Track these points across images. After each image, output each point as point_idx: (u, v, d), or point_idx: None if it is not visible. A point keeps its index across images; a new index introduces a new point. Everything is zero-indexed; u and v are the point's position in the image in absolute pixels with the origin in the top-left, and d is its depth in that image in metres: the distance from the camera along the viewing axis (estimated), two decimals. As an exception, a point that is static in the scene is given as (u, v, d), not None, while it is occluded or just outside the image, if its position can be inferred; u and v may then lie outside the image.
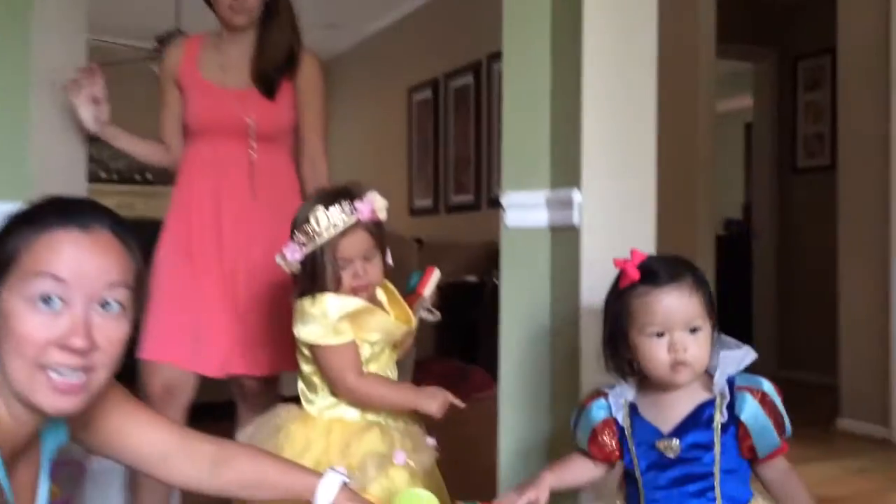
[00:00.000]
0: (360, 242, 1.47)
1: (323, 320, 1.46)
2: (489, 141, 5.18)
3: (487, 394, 1.69)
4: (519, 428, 1.86)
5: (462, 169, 5.52)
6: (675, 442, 1.22)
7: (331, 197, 1.47)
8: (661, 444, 1.23)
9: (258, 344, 1.88)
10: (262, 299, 1.86)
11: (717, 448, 1.21)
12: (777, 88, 5.14)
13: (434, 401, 1.48)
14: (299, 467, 1.29)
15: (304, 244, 1.47)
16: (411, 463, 1.46)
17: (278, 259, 1.52)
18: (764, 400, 1.21)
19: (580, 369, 1.71)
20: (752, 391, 1.21)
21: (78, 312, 0.95)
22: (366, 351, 1.51)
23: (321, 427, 1.50)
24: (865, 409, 3.39)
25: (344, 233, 1.45)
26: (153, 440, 1.16)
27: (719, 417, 1.21)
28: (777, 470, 1.26)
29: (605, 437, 1.29)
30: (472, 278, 4.39)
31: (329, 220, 1.44)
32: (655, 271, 1.23)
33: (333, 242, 1.45)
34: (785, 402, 1.23)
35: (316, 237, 1.45)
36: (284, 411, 1.56)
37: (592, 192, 1.71)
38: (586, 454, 1.33)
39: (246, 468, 1.19)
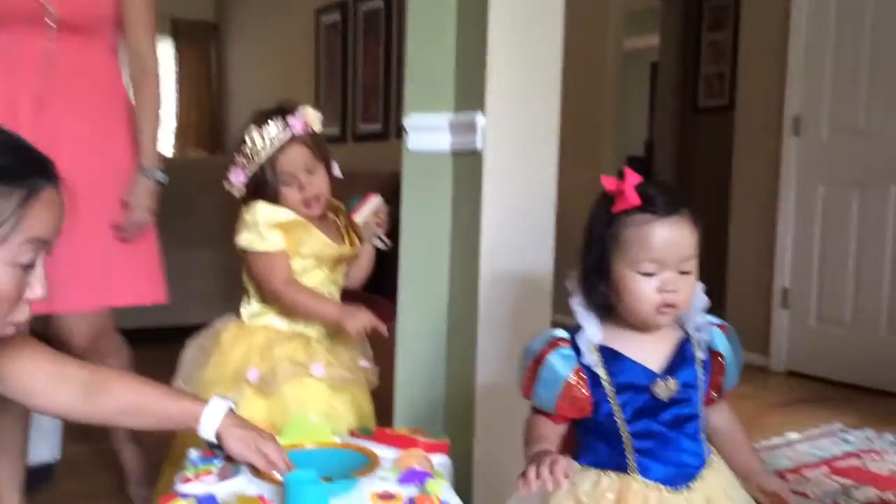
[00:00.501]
0: (298, 156, 1.53)
1: (254, 227, 1.52)
2: (399, 68, 5.05)
3: (391, 325, 1.69)
4: (415, 357, 1.86)
5: (370, 97, 5.39)
6: (673, 381, 1.11)
7: (264, 116, 1.53)
8: (658, 385, 1.10)
9: (66, 274, 1.60)
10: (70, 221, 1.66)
11: (701, 385, 1.14)
12: (682, 27, 5.21)
13: (353, 319, 1.51)
14: (182, 394, 1.25)
15: (245, 166, 1.53)
16: (329, 377, 1.49)
17: (225, 185, 1.54)
18: (729, 334, 1.18)
19: (478, 296, 1.71)
20: (719, 326, 1.18)
21: (40, 265, 0.97)
22: (296, 265, 1.55)
23: (248, 331, 1.56)
24: (748, 339, 3.57)
25: (281, 148, 1.52)
26: (23, 365, 1.10)
27: (700, 354, 1.14)
28: (725, 413, 1.22)
29: (579, 390, 1.11)
30: (378, 208, 4.35)
31: (264, 139, 1.51)
32: (653, 198, 1.07)
33: (273, 159, 1.52)
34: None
35: (255, 157, 1.52)
36: (224, 319, 1.61)
37: (496, 117, 1.69)
38: (546, 414, 1.14)
39: (123, 395, 1.14)
